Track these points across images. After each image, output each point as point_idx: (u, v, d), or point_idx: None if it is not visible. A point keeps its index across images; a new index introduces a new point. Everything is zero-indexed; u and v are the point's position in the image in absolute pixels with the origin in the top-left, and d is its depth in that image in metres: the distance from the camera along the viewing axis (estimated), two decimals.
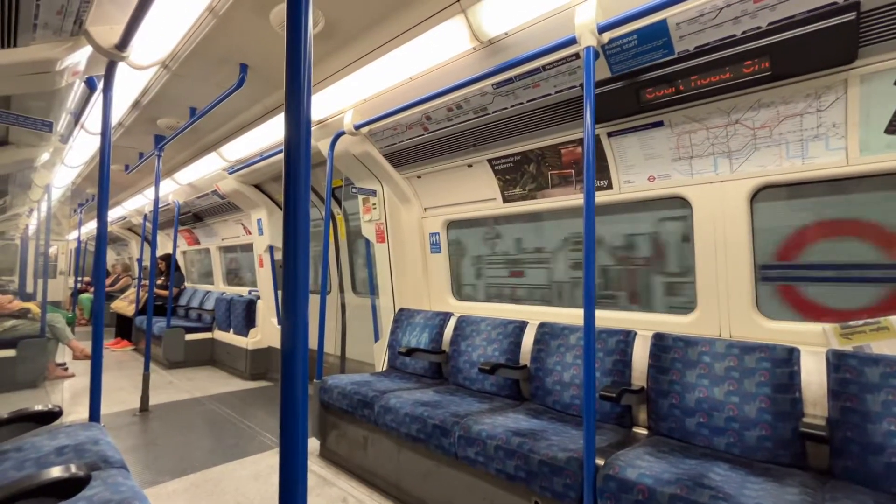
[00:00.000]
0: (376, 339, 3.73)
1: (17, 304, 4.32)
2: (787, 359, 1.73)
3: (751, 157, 1.92)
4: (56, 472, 0.88)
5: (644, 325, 2.28)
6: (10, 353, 4.02)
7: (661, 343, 2.04)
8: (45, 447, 1.45)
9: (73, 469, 0.88)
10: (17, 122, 2.48)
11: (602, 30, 1.71)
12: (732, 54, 1.69)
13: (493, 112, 2.43)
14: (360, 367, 4.31)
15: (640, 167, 2.24)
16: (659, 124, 2.07)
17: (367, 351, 4.08)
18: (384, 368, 3.33)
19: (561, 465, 1.65)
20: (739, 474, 1.53)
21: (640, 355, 2.12)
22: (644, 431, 2.04)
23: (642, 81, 1.94)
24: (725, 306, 2.05)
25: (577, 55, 1.95)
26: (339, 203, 4.52)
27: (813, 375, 1.69)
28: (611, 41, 1.82)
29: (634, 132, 2.16)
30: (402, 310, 3.36)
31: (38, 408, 1.44)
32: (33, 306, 4.45)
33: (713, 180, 2.04)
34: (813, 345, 1.80)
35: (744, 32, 1.62)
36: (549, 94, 2.19)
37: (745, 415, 1.72)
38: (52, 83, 2.15)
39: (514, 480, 1.79)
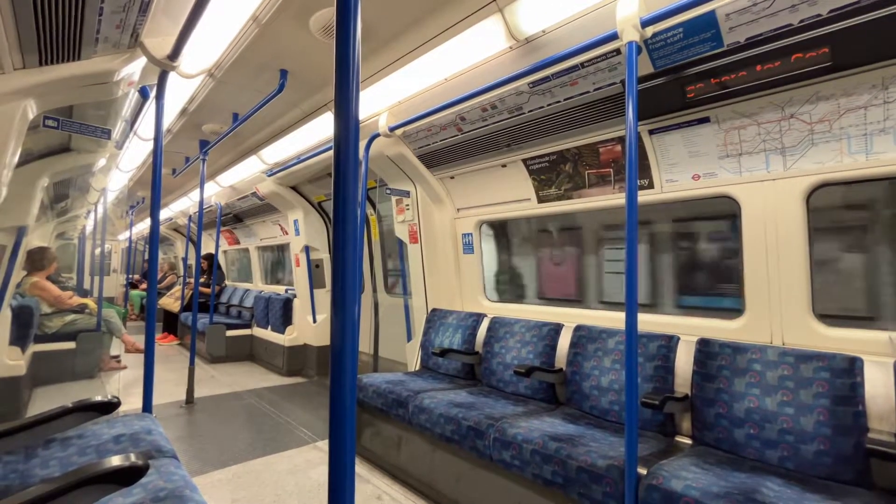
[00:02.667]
0: (409, 338, 3.75)
1: (77, 300, 4.62)
2: (849, 369, 1.61)
3: (807, 153, 1.80)
4: (119, 461, 0.93)
5: (687, 329, 2.19)
6: (71, 345, 4.32)
7: (706, 349, 1.95)
8: (105, 435, 1.54)
9: (134, 458, 0.94)
10: (80, 131, 2.66)
11: (646, 24, 1.65)
12: (788, 45, 1.60)
13: (529, 111, 2.40)
14: (392, 366, 4.36)
15: (683, 165, 2.15)
16: (705, 120, 1.98)
17: (399, 350, 4.11)
18: (417, 368, 3.35)
19: (601, 472, 1.61)
20: (795, 490, 1.43)
21: (684, 361, 2.03)
22: (687, 441, 1.95)
23: (688, 76, 1.86)
24: (777, 312, 1.93)
25: (617, 51, 1.89)
26: (373, 204, 4.59)
27: (879, 388, 1.57)
28: (654, 35, 1.75)
29: (678, 129, 2.08)
30: (434, 310, 3.37)
31: (99, 398, 1.53)
32: (90, 302, 4.75)
33: (764, 178, 1.93)
34: (878, 354, 1.67)
35: (801, 21, 1.53)
36: (588, 92, 2.14)
37: (801, 427, 1.62)
38: (109, 93, 2.29)
39: (550, 486, 1.75)
